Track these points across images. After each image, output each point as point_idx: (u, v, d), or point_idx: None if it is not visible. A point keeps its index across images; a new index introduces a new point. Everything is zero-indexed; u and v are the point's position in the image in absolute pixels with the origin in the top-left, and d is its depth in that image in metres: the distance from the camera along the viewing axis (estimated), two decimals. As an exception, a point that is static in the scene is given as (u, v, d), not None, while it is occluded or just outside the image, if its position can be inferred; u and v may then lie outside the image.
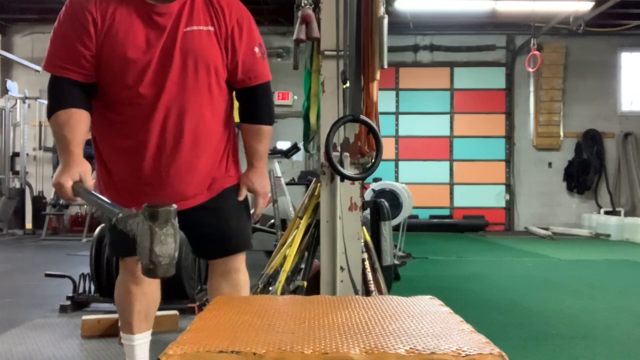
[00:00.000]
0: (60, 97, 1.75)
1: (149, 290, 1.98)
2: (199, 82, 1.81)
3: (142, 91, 1.77)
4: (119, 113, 1.82)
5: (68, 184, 1.61)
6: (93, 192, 1.66)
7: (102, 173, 1.91)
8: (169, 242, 1.32)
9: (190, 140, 1.82)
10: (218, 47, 1.82)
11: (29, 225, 9.92)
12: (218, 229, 1.94)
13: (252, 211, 2.06)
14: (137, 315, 1.97)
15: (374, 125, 2.67)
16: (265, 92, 1.96)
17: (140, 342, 2.01)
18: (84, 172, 1.65)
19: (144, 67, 1.76)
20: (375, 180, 6.62)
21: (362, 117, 2.62)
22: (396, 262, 5.33)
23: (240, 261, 2.01)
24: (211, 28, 1.81)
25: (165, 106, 1.79)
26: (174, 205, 1.34)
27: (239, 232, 1.98)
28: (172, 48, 1.77)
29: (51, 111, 1.76)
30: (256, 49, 1.89)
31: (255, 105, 1.95)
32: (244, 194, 1.96)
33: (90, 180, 1.65)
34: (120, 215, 1.40)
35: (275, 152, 6.18)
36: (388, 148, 10.94)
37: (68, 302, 3.81)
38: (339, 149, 2.86)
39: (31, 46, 11.03)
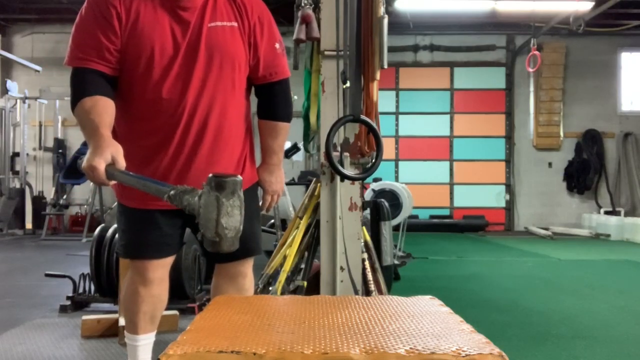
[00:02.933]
0: (83, 85, 1.69)
1: (157, 293, 1.95)
2: (224, 78, 1.81)
3: (168, 88, 1.76)
4: (143, 110, 1.80)
5: (101, 166, 1.52)
6: (130, 172, 1.57)
7: None
8: (235, 214, 1.27)
9: (212, 137, 1.82)
10: (242, 43, 1.82)
11: (29, 225, 9.92)
12: None
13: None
14: (142, 316, 1.95)
15: (374, 125, 2.67)
16: (284, 88, 1.96)
17: (144, 342, 1.99)
18: (116, 152, 1.57)
19: (170, 63, 1.74)
20: (375, 180, 6.62)
21: (363, 117, 2.62)
22: (396, 262, 5.33)
23: (248, 266, 1.99)
24: (235, 24, 1.80)
25: (190, 103, 1.78)
26: (240, 177, 1.30)
27: (251, 236, 1.92)
28: (197, 44, 1.75)
29: (75, 100, 1.69)
30: (277, 45, 1.90)
31: (273, 101, 1.95)
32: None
33: (123, 161, 1.57)
34: (172, 192, 1.34)
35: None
36: (388, 148, 10.94)
37: (68, 302, 3.81)
38: (339, 149, 2.86)
39: (31, 46, 11.04)
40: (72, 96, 1.71)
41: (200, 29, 1.75)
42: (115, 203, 2.03)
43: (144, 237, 1.87)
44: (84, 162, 1.56)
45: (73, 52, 1.73)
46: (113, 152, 1.56)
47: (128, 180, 1.54)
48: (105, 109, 1.67)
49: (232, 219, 1.27)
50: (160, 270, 1.92)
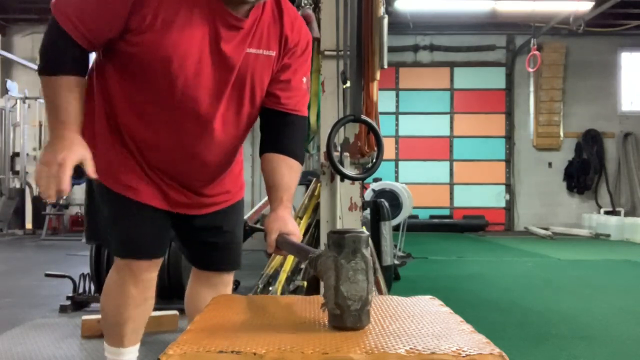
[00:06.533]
0: (69, 57, 1.53)
1: (149, 295, 1.77)
2: (244, 114, 1.64)
3: (185, 123, 1.58)
4: (158, 129, 1.61)
5: (70, 163, 1.44)
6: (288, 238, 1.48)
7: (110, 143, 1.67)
8: (359, 280, 1.04)
9: (224, 162, 1.71)
10: (273, 72, 1.62)
11: (29, 225, 9.92)
12: (225, 241, 1.82)
13: None
14: (132, 323, 1.75)
15: (375, 125, 2.67)
16: (304, 126, 1.77)
17: (131, 357, 1.79)
18: (88, 155, 1.49)
19: (194, 92, 1.53)
20: (375, 180, 6.62)
21: (364, 117, 2.62)
22: (396, 262, 5.33)
23: (231, 275, 1.92)
24: (272, 53, 1.59)
25: (213, 137, 1.61)
26: (366, 231, 1.08)
27: (239, 249, 1.88)
28: (229, 73, 1.54)
29: (55, 67, 1.52)
30: (304, 79, 1.69)
31: (292, 137, 1.72)
32: (274, 242, 1.50)
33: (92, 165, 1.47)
34: (312, 255, 1.17)
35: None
36: (388, 148, 10.94)
37: (68, 302, 3.81)
38: (339, 149, 2.86)
39: (31, 46, 11.04)
40: (49, 59, 1.54)
41: (238, 55, 1.53)
42: None
43: (144, 233, 1.70)
44: (45, 153, 1.48)
45: (74, 12, 1.53)
46: (85, 154, 1.48)
47: (288, 245, 1.45)
48: (82, 100, 1.55)
49: (356, 285, 1.04)
50: (155, 269, 1.78)
